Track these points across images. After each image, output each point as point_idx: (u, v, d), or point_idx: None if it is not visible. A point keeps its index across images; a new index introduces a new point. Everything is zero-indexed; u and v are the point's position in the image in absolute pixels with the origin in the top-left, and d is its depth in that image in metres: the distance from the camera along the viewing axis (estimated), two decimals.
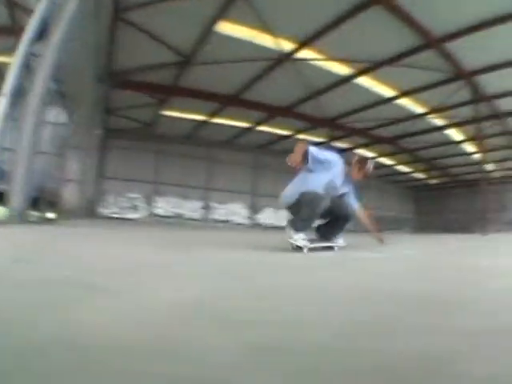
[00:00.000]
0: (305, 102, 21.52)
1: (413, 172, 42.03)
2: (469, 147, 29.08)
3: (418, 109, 22.35)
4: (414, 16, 13.49)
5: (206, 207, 31.33)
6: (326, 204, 5.29)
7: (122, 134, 27.59)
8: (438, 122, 24.47)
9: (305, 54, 16.38)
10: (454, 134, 26.86)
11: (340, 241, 6.03)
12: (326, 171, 5.48)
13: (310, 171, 5.43)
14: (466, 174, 38.79)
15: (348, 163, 5.90)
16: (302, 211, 5.27)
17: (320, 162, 5.38)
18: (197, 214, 30.90)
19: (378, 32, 14.61)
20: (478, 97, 19.20)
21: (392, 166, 38.46)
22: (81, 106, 16.55)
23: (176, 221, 29.33)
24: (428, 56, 15.77)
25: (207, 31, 14.74)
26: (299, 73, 17.62)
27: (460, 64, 16.56)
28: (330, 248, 5.87)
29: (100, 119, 22.49)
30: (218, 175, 31.64)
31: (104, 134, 25.13)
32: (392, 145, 29.82)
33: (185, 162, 30.30)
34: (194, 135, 28.89)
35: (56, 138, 14.76)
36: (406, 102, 21.46)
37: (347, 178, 5.89)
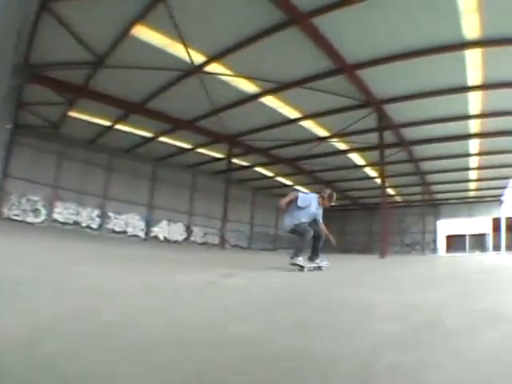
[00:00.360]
0: (208, 117, 21.38)
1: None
2: (370, 171, 30.60)
3: (322, 132, 22.97)
4: (329, 41, 13.77)
5: (103, 216, 29.99)
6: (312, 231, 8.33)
7: (29, 131, 25.72)
8: (341, 145, 25.37)
9: (214, 68, 16.22)
10: (356, 158, 28.06)
11: (324, 262, 8.91)
12: (309, 206, 8.50)
13: (299, 208, 8.39)
14: (367, 198, 40.72)
15: (320, 197, 8.84)
16: (300, 240, 8.40)
17: (305, 201, 8.47)
18: (94, 223, 29.49)
19: (291, 53, 14.76)
20: (385, 125, 20.11)
21: (291, 186, 39.16)
22: None
23: (74, 228, 27.89)
24: (338, 81, 16.22)
25: (123, 33, 14.15)
26: (206, 87, 17.39)
27: (369, 92, 17.25)
28: (320, 268, 8.72)
29: (10, 113, 21.24)
30: (116, 184, 30.47)
31: (13, 129, 23.85)
32: (292, 165, 30.59)
33: (86, 167, 28.90)
34: (96, 140, 27.74)
35: None
36: (311, 125, 21.94)
37: (320, 206, 8.90)
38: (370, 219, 48.19)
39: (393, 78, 16.01)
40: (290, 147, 25.80)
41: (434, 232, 47.42)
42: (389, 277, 9.15)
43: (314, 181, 35.45)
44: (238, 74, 16.68)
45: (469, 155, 26.60)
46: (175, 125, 23.06)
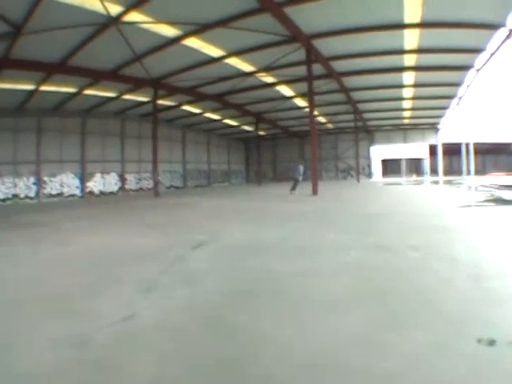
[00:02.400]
0: (131, 65, 20.65)
1: (241, 125, 43.18)
2: (300, 102, 30.73)
3: (249, 67, 22.68)
4: None
5: (39, 182, 28.58)
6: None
7: None
8: (269, 79, 25.21)
9: (133, 17, 15.39)
10: (285, 90, 28.08)
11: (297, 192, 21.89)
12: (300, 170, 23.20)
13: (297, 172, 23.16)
14: (298, 126, 41.01)
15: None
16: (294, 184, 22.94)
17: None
18: (31, 192, 28.09)
19: None
20: (313, 59, 19.93)
21: (219, 120, 39.44)
22: None
23: (13, 202, 26.58)
24: (264, 19, 15.65)
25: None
26: (126, 36, 16.62)
27: (297, 28, 16.92)
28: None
29: None
30: (47, 145, 28.89)
31: None
32: (219, 101, 30.23)
33: (16, 135, 27.08)
34: (23, 106, 26.34)
35: None
36: (236, 61, 21.53)
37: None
38: (302, 147, 48.98)
39: (322, 13, 15.66)
40: (217, 84, 25.47)
41: (368, 157, 48.72)
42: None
43: (243, 113, 35.37)
44: (158, 20, 15.92)
45: (403, 86, 27.45)
46: (98, 77, 22.16)
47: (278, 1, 14.34)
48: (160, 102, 27.85)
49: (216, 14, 15.64)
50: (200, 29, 16.81)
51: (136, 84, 24.28)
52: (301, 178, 23.18)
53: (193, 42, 18.28)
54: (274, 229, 8.11)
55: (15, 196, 26.81)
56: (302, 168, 23.13)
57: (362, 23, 16.70)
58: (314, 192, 19.61)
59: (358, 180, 42.13)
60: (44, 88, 23.03)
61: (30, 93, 23.56)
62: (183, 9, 15.09)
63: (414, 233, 7.19)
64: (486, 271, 4.40)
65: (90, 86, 23.74)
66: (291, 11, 15.19)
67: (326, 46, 19.26)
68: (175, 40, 17.78)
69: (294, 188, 22.60)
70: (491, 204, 11.99)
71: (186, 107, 32.80)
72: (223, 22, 16.10)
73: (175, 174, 41.02)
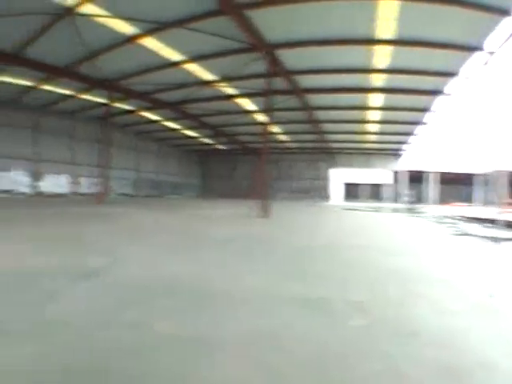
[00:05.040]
0: (84, 62, 19.69)
1: (198, 137, 42.45)
2: (261, 117, 29.45)
3: (208, 76, 21.94)
4: None
5: None
6: None
7: None
8: (229, 90, 24.26)
9: (88, 9, 14.51)
10: (246, 103, 27.15)
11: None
12: None
13: None
14: (256, 143, 40.07)
15: None
16: None
17: None
18: None
19: None
20: (276, 70, 19.02)
21: (176, 130, 38.90)
22: None
23: None
24: (223, 23, 14.84)
25: None
26: (80, 30, 15.77)
27: (258, 35, 16.03)
28: None
29: None
30: None
31: None
32: (175, 110, 29.59)
33: None
34: None
35: None
36: (194, 68, 20.81)
37: None
38: (259, 164, 48.15)
39: (286, 21, 14.91)
40: (174, 91, 24.75)
41: (327, 179, 47.99)
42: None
43: (200, 125, 34.70)
44: (114, 15, 15.04)
45: (368, 108, 27.06)
46: (51, 72, 21.20)
47: (238, 2, 13.37)
48: (116, 105, 27.31)
49: (174, 13, 14.89)
50: (157, 28, 16.11)
51: (88, 83, 23.32)
52: None
53: (150, 43, 17.64)
54: (190, 260, 6.51)
55: None
56: None
57: (329, 35, 16.04)
58: (265, 213, 17.46)
59: (315, 202, 41.32)
60: None
61: None
62: (140, 5, 14.32)
63: (365, 279, 5.37)
64: (463, 362, 2.70)
65: (44, 80, 22.95)
66: (253, 16, 14.39)
67: (289, 58, 18.56)
68: (131, 38, 17.09)
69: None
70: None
71: (144, 113, 32.12)
72: (180, 23, 15.35)
73: (127, 182, 40.23)
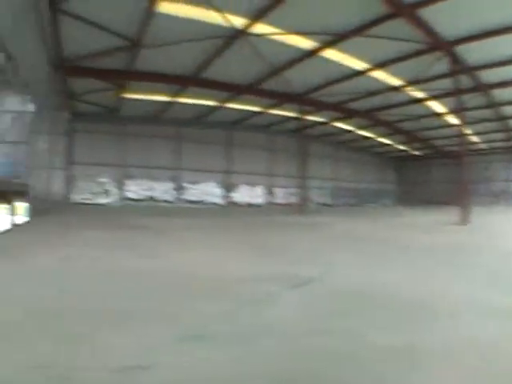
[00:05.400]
0: (270, 78, 20.38)
1: (393, 144, 41.30)
2: (451, 119, 27.83)
3: (395, 81, 21.11)
4: None
5: (178, 188, 30.16)
6: None
7: (86, 118, 27.20)
8: (418, 94, 23.24)
9: (261, 29, 14.93)
10: (436, 105, 25.66)
11: None
12: None
13: None
14: (451, 146, 37.73)
15: None
16: None
17: None
18: (169, 196, 29.80)
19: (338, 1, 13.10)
20: (459, 68, 17.70)
21: (370, 138, 37.93)
22: (41, 93, 16.71)
23: (148, 204, 28.44)
24: (398, 25, 14.11)
25: (148, 13, 13.50)
26: (258, 49, 16.45)
27: (435, 33, 14.98)
28: None
29: (64, 105, 22.91)
30: (187, 154, 30.62)
31: (70, 118, 25.80)
32: (368, 118, 28.91)
33: (152, 142, 29.39)
34: (160, 115, 28.07)
35: (21, 126, 16.23)
36: (380, 75, 20.16)
37: None
38: (454, 168, 44.99)
39: (460, 13, 13.55)
40: (365, 99, 24.27)
41: None
42: None
43: (393, 131, 33.54)
44: (288, 31, 15.27)
45: None
46: (236, 90, 22.36)
47: (408, 2, 12.71)
48: (308, 117, 27.62)
49: (345, 23, 14.57)
50: (334, 39, 15.90)
51: (276, 98, 24.07)
52: None
53: (331, 54, 17.46)
54: (400, 268, 6.06)
55: (151, 198, 28.90)
56: None
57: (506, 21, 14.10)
58: (466, 220, 15.51)
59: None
60: (180, 99, 24.13)
61: (165, 103, 24.89)
62: (311, 19, 14.35)
63: None
64: None
65: (229, 99, 24.20)
66: (426, 13, 13.36)
67: (469, 53, 16.76)
68: (312, 52, 17.06)
69: None
70: None
71: (337, 123, 31.94)
72: (356, 31, 14.93)
73: (324, 191, 40.50)
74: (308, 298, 4.30)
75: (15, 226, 12.60)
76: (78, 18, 14.00)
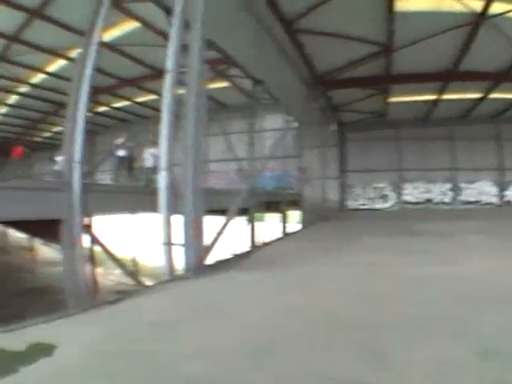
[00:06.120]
0: None
1: None
2: None
3: None
4: None
5: (455, 189, 29.77)
6: None
7: (354, 127, 29.25)
8: None
9: (499, 8, 14.06)
10: None
11: None
12: None
13: None
14: None
15: None
16: None
17: None
18: (446, 197, 29.58)
19: None
20: None
21: None
22: (303, 110, 19.27)
23: (425, 207, 29.15)
24: None
25: (388, 15, 14.29)
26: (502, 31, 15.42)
27: None
28: None
29: (330, 118, 25.22)
30: (462, 153, 29.70)
31: (339, 129, 28.42)
32: None
33: (423, 144, 29.55)
34: (428, 116, 28.32)
35: (288, 142, 20.16)
36: None
37: None
38: None
39: None
40: None
41: None
42: None
43: None
44: None
45: None
46: (493, 79, 21.15)
47: None
48: None
49: None
50: None
51: None
52: None
53: None
54: None
55: (428, 201, 29.38)
56: None
57: None
58: None
59: None
60: (446, 97, 24.04)
61: (433, 103, 25.25)
62: None
63: None
64: None
65: (491, 89, 22.84)
66: None
67: None
68: None
69: None
70: None
71: None
72: None
73: None
74: None
75: (286, 234, 14.18)
76: (318, 33, 15.31)
